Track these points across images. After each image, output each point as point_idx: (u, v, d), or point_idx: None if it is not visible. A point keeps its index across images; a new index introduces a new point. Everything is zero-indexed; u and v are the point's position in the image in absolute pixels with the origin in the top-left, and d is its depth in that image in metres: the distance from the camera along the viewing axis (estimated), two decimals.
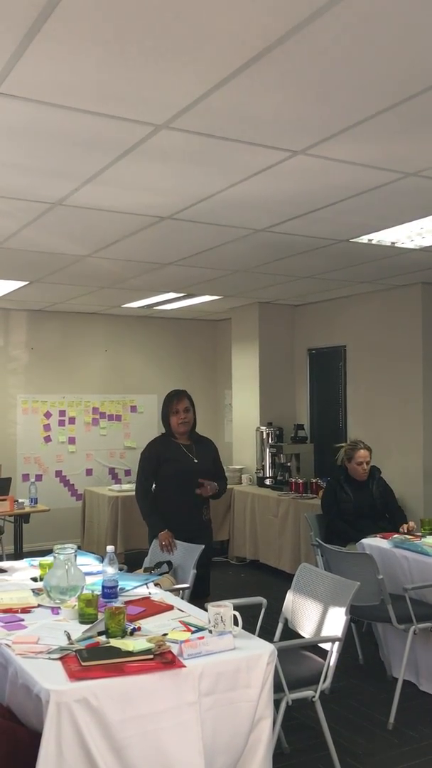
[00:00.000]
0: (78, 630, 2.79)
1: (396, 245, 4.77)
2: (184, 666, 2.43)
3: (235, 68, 2.26)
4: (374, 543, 4.54)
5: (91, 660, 2.44)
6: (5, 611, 3.06)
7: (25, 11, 1.93)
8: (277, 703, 2.85)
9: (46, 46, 2.11)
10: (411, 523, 4.89)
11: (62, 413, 8.32)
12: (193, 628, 2.80)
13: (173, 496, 4.55)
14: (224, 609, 2.71)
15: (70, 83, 2.36)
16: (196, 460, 4.59)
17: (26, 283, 6.20)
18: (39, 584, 3.46)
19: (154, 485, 4.63)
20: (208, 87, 2.39)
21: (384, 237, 4.55)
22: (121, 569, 3.71)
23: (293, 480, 7.04)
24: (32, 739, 2.24)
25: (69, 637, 2.70)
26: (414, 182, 3.44)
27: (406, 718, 3.85)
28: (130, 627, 2.76)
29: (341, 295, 7.11)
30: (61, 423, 8.32)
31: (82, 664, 2.42)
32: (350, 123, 2.71)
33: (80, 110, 2.56)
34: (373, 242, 4.68)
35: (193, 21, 1.98)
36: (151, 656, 2.47)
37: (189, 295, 7.02)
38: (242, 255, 5.10)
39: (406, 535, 4.61)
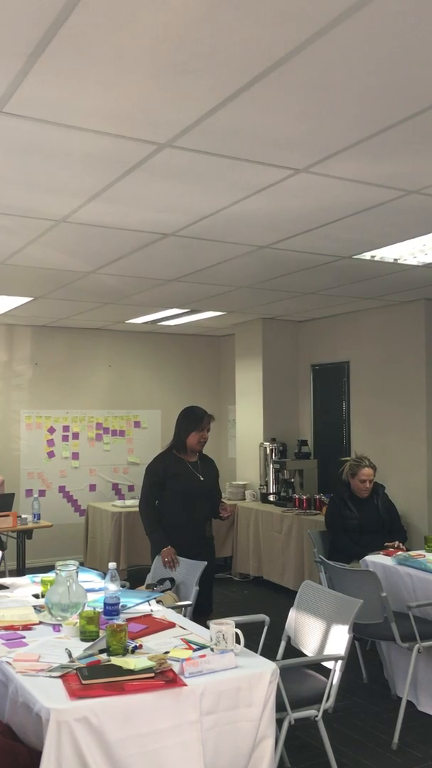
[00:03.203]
0: (79, 647, 2.78)
1: (399, 262, 4.79)
2: (186, 684, 2.42)
3: (238, 88, 2.28)
4: (378, 560, 4.51)
5: (92, 678, 2.43)
6: (6, 628, 3.05)
7: (29, 31, 1.95)
8: (279, 722, 2.83)
9: (51, 66, 2.14)
10: (397, 543, 4.88)
11: (66, 428, 8.33)
12: (194, 646, 2.79)
13: (177, 512, 4.54)
14: (226, 627, 2.70)
15: (73, 102, 2.38)
16: (202, 478, 4.60)
17: (30, 299, 6.23)
18: (41, 601, 3.45)
19: (158, 500, 4.63)
20: (210, 106, 2.41)
21: (387, 254, 4.56)
22: (123, 586, 3.70)
23: (297, 496, 7.02)
24: (32, 757, 2.23)
25: (70, 655, 2.69)
26: (416, 200, 3.46)
27: (411, 738, 3.80)
28: (131, 645, 2.74)
29: (344, 311, 7.13)
30: (65, 438, 8.32)
31: (83, 682, 2.40)
32: (352, 141, 2.73)
33: (84, 129, 2.59)
34: (376, 259, 4.69)
35: (196, 41, 2.00)
36: (153, 675, 2.46)
37: (193, 311, 7.04)
38: (245, 271, 5.12)
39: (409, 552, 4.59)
